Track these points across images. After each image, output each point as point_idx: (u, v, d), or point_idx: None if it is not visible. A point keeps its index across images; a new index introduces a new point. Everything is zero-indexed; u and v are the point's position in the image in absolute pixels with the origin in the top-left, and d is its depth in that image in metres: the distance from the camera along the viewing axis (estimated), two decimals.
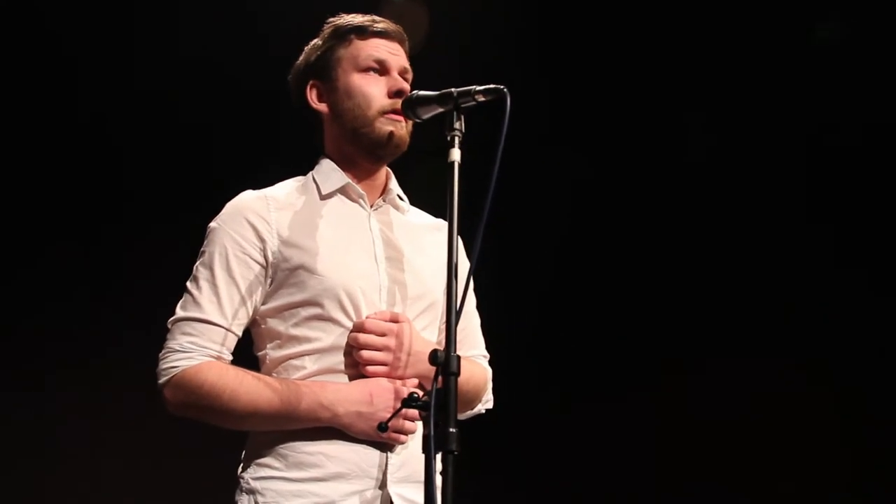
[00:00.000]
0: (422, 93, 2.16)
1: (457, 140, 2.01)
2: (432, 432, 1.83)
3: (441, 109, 2.08)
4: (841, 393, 4.40)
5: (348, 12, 2.43)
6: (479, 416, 2.48)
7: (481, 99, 2.02)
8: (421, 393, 2.02)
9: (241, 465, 2.23)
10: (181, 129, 4.27)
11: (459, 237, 2.16)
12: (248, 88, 4.19)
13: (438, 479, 1.88)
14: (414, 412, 2.12)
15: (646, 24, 4.58)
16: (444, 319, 2.34)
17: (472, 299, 2.44)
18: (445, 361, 1.85)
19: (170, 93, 4.22)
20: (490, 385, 2.49)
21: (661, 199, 4.71)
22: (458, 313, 1.91)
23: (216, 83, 4.26)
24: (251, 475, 2.18)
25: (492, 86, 2.01)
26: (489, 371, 2.49)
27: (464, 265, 2.25)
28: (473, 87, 2.02)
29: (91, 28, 4.16)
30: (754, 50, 4.52)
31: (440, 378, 1.86)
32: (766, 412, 4.45)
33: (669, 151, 4.62)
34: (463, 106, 2.03)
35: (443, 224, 2.45)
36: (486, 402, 2.48)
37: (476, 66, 2.19)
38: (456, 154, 1.99)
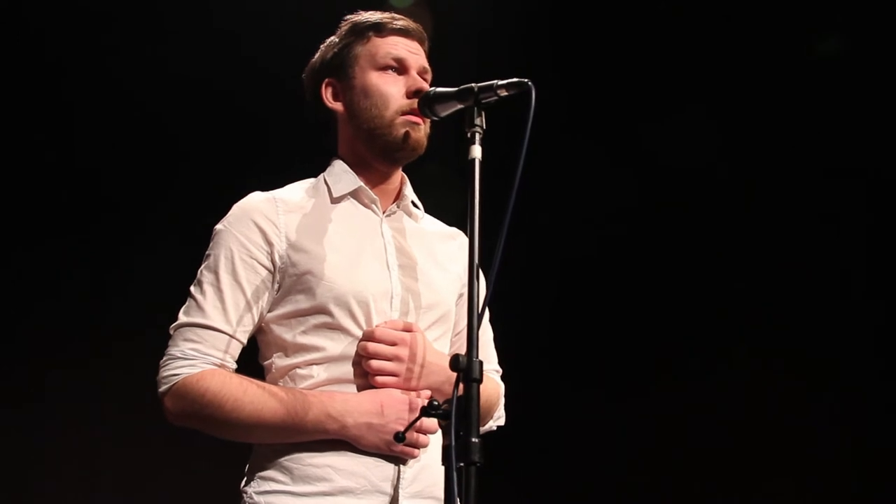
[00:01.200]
0: (440, 90, 2.08)
1: (478, 137, 1.92)
2: (454, 442, 1.71)
3: (461, 106, 2.00)
4: (844, 393, 4.39)
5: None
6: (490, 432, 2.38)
7: (504, 94, 1.93)
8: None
9: (245, 478, 2.12)
10: (178, 128, 4.25)
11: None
12: (244, 88, 4.19)
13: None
14: (429, 424, 2.04)
15: (655, 23, 4.58)
16: (456, 331, 2.30)
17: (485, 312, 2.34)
18: (467, 367, 1.75)
19: (165, 94, 4.20)
20: (503, 401, 2.39)
21: (666, 203, 4.70)
22: (481, 316, 1.81)
23: (212, 81, 4.23)
24: (255, 489, 2.07)
25: (515, 79, 1.92)
26: (502, 386, 2.40)
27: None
28: (495, 81, 1.94)
29: (87, 25, 4.13)
30: (759, 49, 4.52)
31: (461, 385, 1.75)
32: (768, 413, 4.44)
33: (674, 153, 4.58)
34: (484, 102, 1.95)
35: (456, 232, 2.41)
36: (498, 419, 2.38)
37: (485, 63, 2.11)
38: (477, 151, 1.91)
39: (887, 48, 4.38)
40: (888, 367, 4.40)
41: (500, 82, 1.93)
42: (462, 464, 1.71)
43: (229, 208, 2.21)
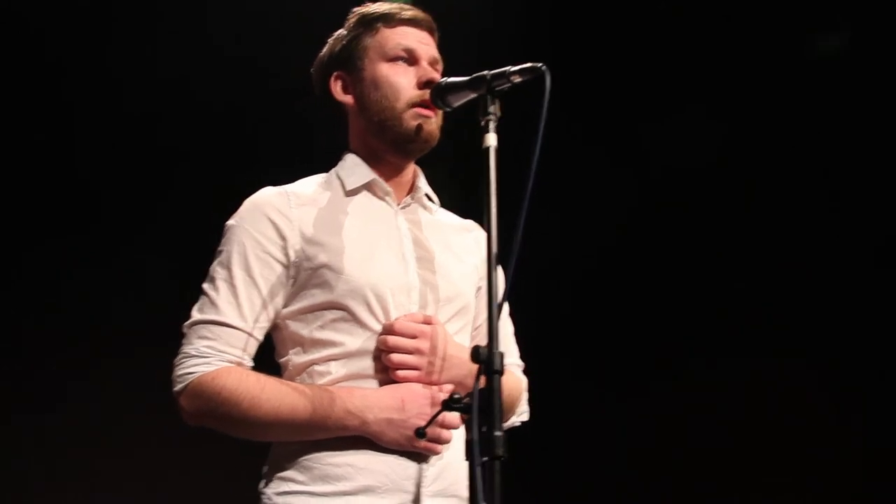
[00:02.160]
0: (452, 79, 2.04)
1: (492, 124, 1.87)
2: (477, 437, 1.67)
3: (474, 95, 1.95)
4: (844, 393, 4.37)
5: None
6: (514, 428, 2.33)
7: (517, 80, 1.88)
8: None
9: (263, 479, 2.07)
10: (178, 128, 4.21)
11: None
12: (245, 88, 4.16)
13: None
14: (451, 419, 1.99)
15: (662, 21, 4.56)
16: (475, 325, 2.25)
17: (504, 305, 2.26)
18: (488, 358, 1.70)
19: (166, 94, 4.16)
20: (526, 395, 2.34)
21: (665, 203, 4.67)
22: (500, 306, 1.77)
23: (212, 82, 4.19)
24: (273, 490, 2.02)
25: (528, 64, 1.87)
26: (524, 381, 2.35)
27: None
28: (508, 67, 1.89)
29: (86, 25, 4.09)
30: (760, 49, 4.50)
31: (483, 378, 1.70)
32: (768, 413, 4.44)
33: (674, 153, 4.57)
34: (497, 89, 1.90)
35: (472, 225, 2.36)
36: (522, 415, 2.33)
37: (484, 64, 2.10)
38: (492, 139, 1.86)
39: (887, 48, 4.37)
40: (888, 367, 4.38)
41: (513, 68, 1.89)
42: (486, 458, 1.66)
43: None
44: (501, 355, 1.72)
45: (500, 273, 1.82)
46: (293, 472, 2.02)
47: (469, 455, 1.68)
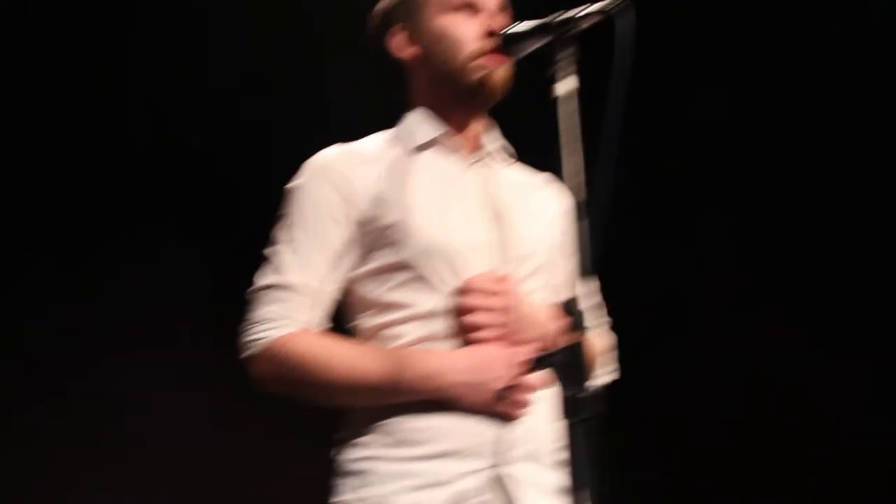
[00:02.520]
0: (516, 29, 1.93)
1: (561, 72, 1.75)
2: (566, 395, 1.60)
3: (541, 42, 1.84)
4: (844, 393, 4.31)
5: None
6: None
7: (586, 24, 1.77)
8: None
9: (338, 446, 2.00)
10: (179, 128, 4.13)
11: None
12: (244, 89, 4.08)
13: None
14: (533, 380, 1.90)
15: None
16: (554, 282, 2.11)
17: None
18: (576, 313, 1.63)
19: (165, 93, 4.11)
20: (614, 353, 2.25)
21: (665, 202, 4.61)
22: (586, 262, 1.69)
23: (211, 82, 4.12)
24: (350, 456, 1.95)
25: (597, 6, 1.74)
26: (612, 336, 2.25)
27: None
28: (575, 11, 1.76)
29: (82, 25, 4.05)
30: (759, 49, 4.47)
31: (569, 334, 1.62)
32: (768, 413, 4.40)
33: (674, 150, 4.55)
34: (566, 35, 1.78)
35: (549, 179, 2.22)
36: (611, 373, 2.22)
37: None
38: (562, 87, 1.74)
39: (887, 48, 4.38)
40: (889, 367, 4.35)
41: (580, 13, 1.76)
42: (577, 418, 1.61)
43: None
44: (588, 309, 1.65)
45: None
46: (371, 436, 1.95)
47: (567, 414, 1.61)
